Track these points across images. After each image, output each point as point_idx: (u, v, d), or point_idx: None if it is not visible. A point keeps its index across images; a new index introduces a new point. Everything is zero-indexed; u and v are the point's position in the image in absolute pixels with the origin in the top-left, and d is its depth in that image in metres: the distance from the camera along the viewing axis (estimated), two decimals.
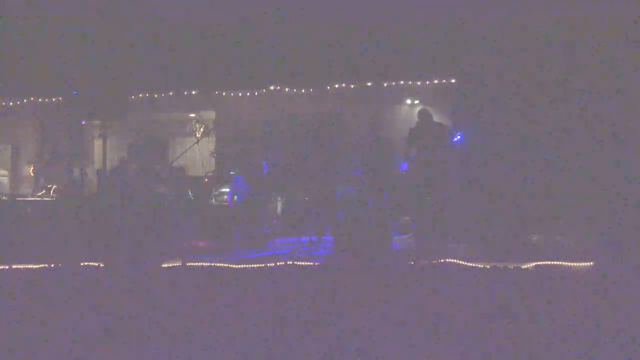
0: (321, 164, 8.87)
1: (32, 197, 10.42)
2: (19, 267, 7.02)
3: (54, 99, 12.03)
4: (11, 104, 12.53)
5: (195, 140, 10.02)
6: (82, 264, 7.05)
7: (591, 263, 6.50)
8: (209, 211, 9.19)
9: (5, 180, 12.20)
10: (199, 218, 8.69)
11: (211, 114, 12.33)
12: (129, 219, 7.82)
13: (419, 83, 11.02)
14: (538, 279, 6.15)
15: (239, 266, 6.91)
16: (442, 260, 6.74)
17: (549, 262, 6.55)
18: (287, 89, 11.39)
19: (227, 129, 11.60)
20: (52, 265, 7.00)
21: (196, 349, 4.14)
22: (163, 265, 7.02)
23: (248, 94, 11.68)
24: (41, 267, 6.98)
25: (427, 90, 11.11)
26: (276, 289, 6.03)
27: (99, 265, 7.06)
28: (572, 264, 6.50)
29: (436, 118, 10.26)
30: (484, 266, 6.52)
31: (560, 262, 6.53)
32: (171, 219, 8.26)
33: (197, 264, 6.98)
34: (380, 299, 5.44)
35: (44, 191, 10.77)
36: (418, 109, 9.21)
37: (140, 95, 11.66)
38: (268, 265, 6.90)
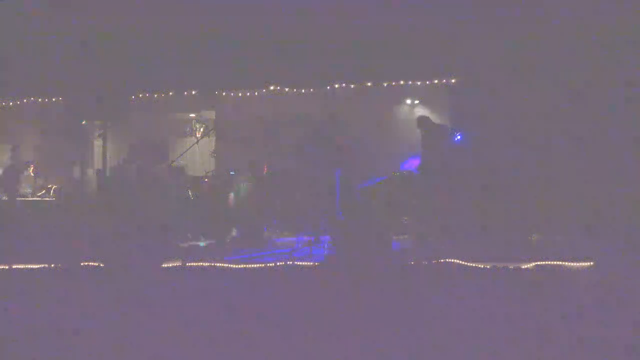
0: (321, 163, 8.86)
1: (32, 197, 10.43)
2: (19, 267, 7.02)
3: (54, 99, 12.02)
4: (11, 104, 12.53)
5: (195, 141, 10.01)
6: (82, 264, 7.05)
7: (591, 263, 6.50)
8: (209, 211, 9.18)
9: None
10: (199, 218, 8.68)
11: (211, 114, 12.34)
12: (128, 219, 7.81)
13: (419, 83, 11.02)
14: (538, 279, 6.15)
15: (239, 266, 6.92)
16: (442, 260, 6.73)
17: (549, 262, 6.55)
18: (287, 89, 11.38)
19: (227, 129, 11.60)
20: (52, 265, 7.00)
21: (196, 349, 4.14)
22: (163, 265, 7.02)
23: (248, 94, 11.68)
24: (41, 267, 6.98)
25: (427, 90, 11.11)
26: (276, 289, 6.03)
27: (99, 265, 7.06)
28: (572, 264, 6.50)
29: (436, 118, 10.30)
30: (484, 266, 6.53)
31: (560, 262, 6.53)
32: (171, 219, 8.26)
33: (197, 264, 6.98)
34: (380, 299, 5.44)
35: (44, 191, 10.76)
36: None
37: (140, 95, 11.65)
38: (268, 265, 6.91)
